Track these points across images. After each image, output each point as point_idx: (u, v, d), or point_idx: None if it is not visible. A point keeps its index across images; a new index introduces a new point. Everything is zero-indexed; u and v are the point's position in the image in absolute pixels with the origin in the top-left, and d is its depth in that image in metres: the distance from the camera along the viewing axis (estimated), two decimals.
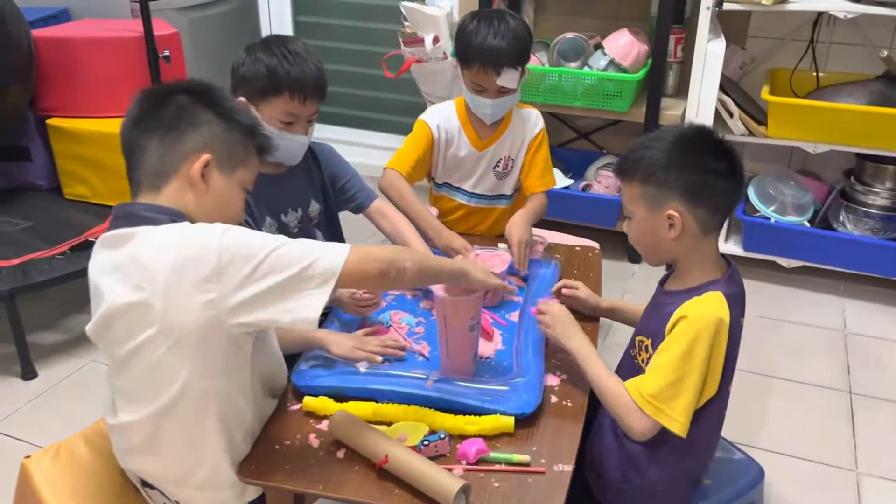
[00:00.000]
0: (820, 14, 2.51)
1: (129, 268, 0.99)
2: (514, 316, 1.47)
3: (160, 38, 2.31)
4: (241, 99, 1.42)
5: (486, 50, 1.61)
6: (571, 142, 3.06)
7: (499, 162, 1.83)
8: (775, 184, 2.57)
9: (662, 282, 1.27)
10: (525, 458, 1.09)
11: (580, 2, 2.86)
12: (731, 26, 2.57)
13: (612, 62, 2.49)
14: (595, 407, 1.26)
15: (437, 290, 1.23)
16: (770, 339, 2.31)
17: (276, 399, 1.22)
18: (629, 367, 1.24)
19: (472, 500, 1.02)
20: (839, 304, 2.50)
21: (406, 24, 2.78)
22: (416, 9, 2.69)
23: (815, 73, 2.59)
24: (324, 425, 1.17)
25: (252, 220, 1.46)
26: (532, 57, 2.64)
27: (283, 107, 1.41)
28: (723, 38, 2.39)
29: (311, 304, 0.98)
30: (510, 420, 1.14)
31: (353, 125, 3.67)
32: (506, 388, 1.21)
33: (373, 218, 1.67)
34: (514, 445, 1.13)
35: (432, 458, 1.07)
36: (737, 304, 1.17)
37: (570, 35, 2.58)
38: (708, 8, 2.29)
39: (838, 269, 2.53)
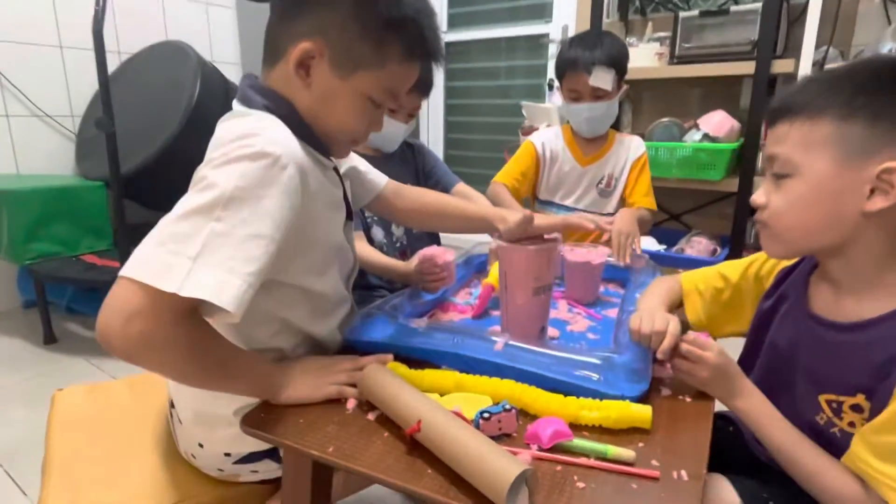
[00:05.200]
0: None
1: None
2: (612, 312, 1.26)
3: None
4: None
5: (576, 54, 1.72)
6: (662, 223, 3.20)
7: (601, 179, 1.90)
8: None
9: (796, 306, 0.91)
10: (628, 453, 0.74)
11: (669, 100, 3.13)
12: None
13: (706, 136, 2.68)
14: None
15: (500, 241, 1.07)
16: None
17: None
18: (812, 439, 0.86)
19: (539, 501, 0.68)
20: None
21: (525, 120, 3.18)
22: (532, 105, 3.13)
23: None
24: None
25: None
26: None
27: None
28: None
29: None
30: (647, 411, 0.80)
31: None
32: (596, 360, 0.89)
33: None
34: (610, 436, 0.80)
35: (494, 439, 0.78)
36: None
37: (664, 121, 2.84)
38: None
39: None
